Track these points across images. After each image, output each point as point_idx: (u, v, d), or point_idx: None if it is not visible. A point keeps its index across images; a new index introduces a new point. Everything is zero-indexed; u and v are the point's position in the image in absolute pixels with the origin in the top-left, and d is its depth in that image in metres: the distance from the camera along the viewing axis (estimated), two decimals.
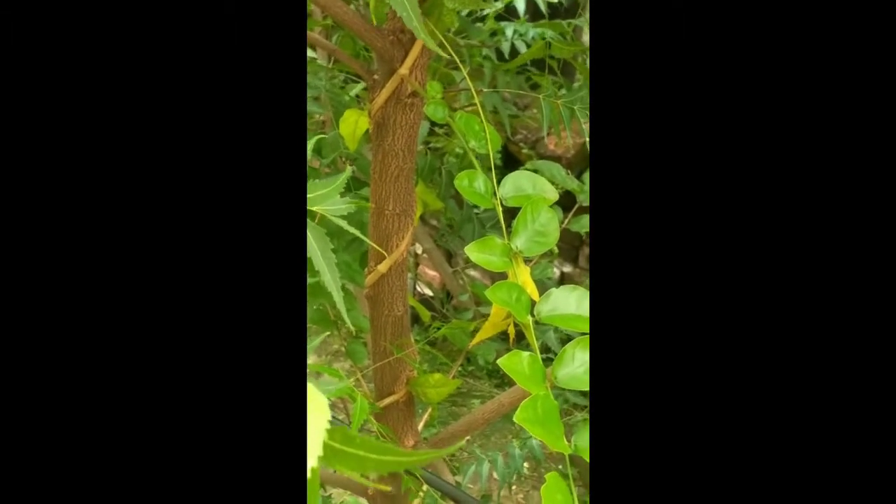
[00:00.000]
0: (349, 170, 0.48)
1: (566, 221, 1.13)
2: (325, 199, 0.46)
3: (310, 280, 0.93)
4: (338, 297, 0.43)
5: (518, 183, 0.80)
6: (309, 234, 0.43)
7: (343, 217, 0.46)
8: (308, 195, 0.46)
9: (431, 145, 1.44)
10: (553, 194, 0.80)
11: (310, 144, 1.08)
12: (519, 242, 0.77)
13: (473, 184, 0.79)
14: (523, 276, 0.78)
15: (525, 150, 2.04)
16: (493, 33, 1.37)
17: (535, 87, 1.30)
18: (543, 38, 1.20)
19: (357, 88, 1.22)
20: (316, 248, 0.44)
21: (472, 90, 0.82)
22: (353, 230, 0.46)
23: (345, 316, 0.44)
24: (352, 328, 0.57)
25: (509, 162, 2.11)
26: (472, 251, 0.76)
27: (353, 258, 1.11)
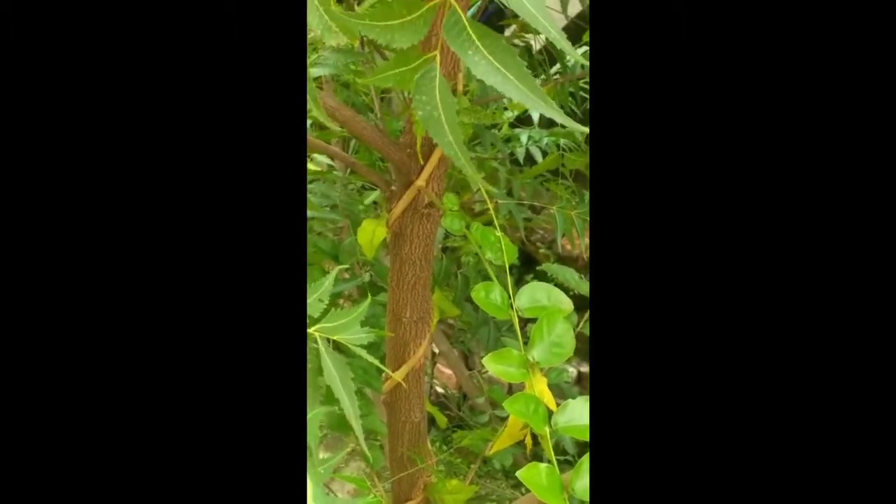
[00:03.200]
0: (368, 301, 0.49)
1: (580, 324, 1.14)
2: (346, 329, 0.47)
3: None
4: (357, 426, 0.44)
5: (534, 294, 0.81)
6: (330, 362, 0.45)
7: (364, 347, 0.47)
8: (329, 324, 0.47)
9: (447, 246, 1.45)
10: (568, 305, 0.81)
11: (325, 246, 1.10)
12: (535, 353, 0.77)
13: (490, 295, 0.80)
14: (540, 386, 0.78)
15: (542, 250, 2.06)
16: (508, 139, 1.40)
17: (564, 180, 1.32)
18: (558, 147, 1.23)
19: (373, 196, 1.25)
20: (336, 376, 0.45)
21: (488, 201, 0.84)
22: (371, 359, 0.47)
23: (364, 449, 0.44)
24: (370, 458, 0.57)
25: (526, 261, 2.12)
26: (489, 363, 0.76)
27: (370, 363, 1.11)
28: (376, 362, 0.48)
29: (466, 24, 0.44)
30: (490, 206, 0.82)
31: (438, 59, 0.46)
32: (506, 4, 0.43)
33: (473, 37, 0.43)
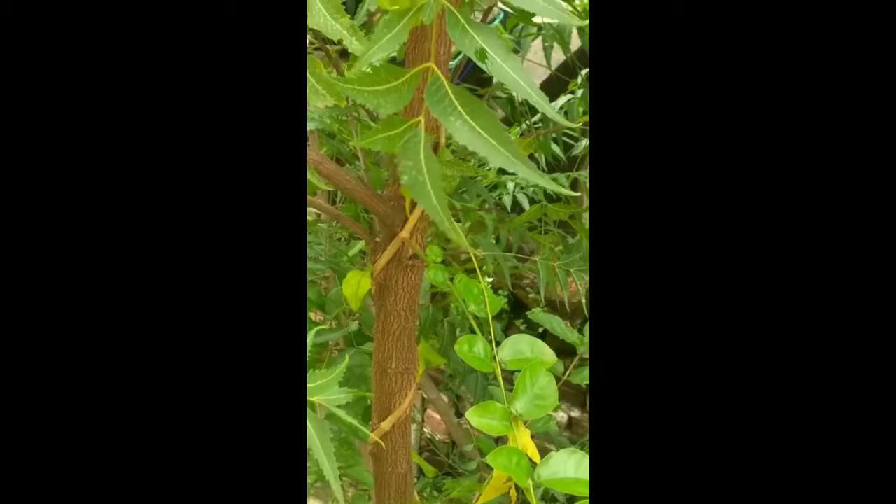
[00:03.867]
0: (346, 362, 0.50)
1: (567, 374, 1.14)
2: (325, 390, 0.47)
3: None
4: (336, 487, 0.44)
5: (517, 346, 0.82)
6: (309, 423, 0.45)
7: (342, 408, 0.47)
8: (308, 385, 0.47)
9: (435, 292, 1.46)
10: (551, 357, 0.81)
11: (312, 294, 1.10)
12: (518, 406, 0.78)
13: (473, 348, 0.80)
14: (523, 438, 0.78)
15: (532, 295, 2.06)
16: (495, 186, 1.41)
17: (547, 231, 1.33)
18: (545, 193, 1.24)
19: (358, 246, 1.26)
20: (315, 437, 0.45)
21: (472, 255, 0.85)
22: (352, 420, 0.47)
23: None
24: None
25: (516, 306, 2.13)
26: (472, 416, 0.76)
27: (357, 413, 1.11)
28: (354, 422, 0.48)
29: (448, 90, 0.44)
30: (474, 259, 0.82)
31: (423, 124, 0.47)
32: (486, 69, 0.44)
33: (455, 102, 0.44)
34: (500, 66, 0.42)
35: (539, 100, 0.41)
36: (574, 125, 1.25)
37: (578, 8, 1.08)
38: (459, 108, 0.44)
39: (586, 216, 1.30)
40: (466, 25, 0.44)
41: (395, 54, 0.49)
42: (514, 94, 1.24)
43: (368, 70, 0.46)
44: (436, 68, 0.45)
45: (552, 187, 0.43)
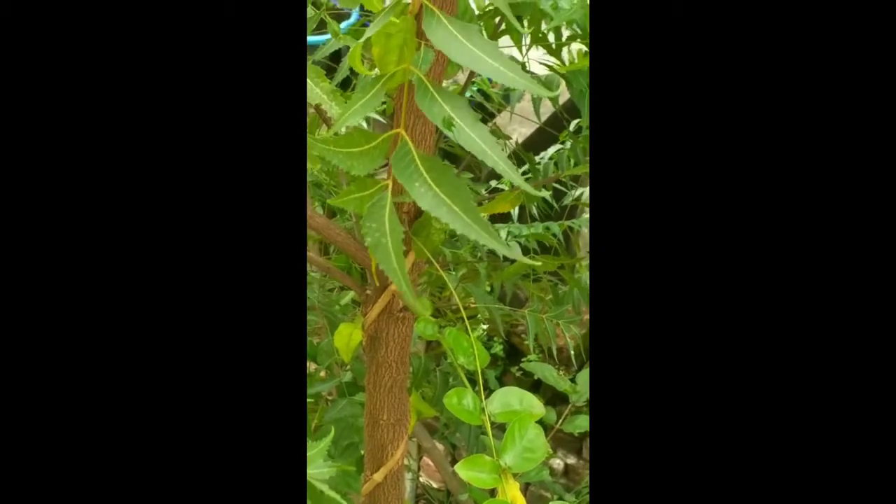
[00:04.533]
0: (331, 435, 0.50)
1: (561, 421, 1.14)
2: (310, 463, 0.48)
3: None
4: None
5: (506, 399, 0.82)
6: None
7: (325, 482, 0.47)
8: None
9: (428, 341, 1.46)
10: (539, 409, 0.81)
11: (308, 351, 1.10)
12: (507, 459, 0.78)
13: (462, 401, 0.81)
14: (512, 491, 0.78)
15: (527, 342, 2.07)
16: None
17: (536, 280, 1.34)
18: (535, 245, 1.25)
19: (350, 296, 1.26)
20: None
21: (460, 305, 0.85)
22: (334, 495, 0.48)
23: None
24: None
25: (512, 353, 2.14)
26: (461, 469, 0.77)
27: (349, 463, 1.11)
28: (337, 497, 0.49)
29: (415, 156, 0.45)
30: (462, 311, 0.83)
31: (390, 187, 0.48)
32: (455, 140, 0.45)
33: (421, 168, 0.45)
34: (468, 134, 0.43)
35: (506, 168, 0.42)
36: (564, 174, 1.26)
37: (566, 60, 1.10)
38: (425, 175, 0.45)
39: (582, 264, 1.31)
40: (435, 94, 0.45)
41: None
42: (503, 142, 1.25)
43: (342, 132, 0.47)
44: (405, 134, 0.47)
45: (512, 255, 0.44)
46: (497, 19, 1.00)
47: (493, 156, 0.42)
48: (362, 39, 0.49)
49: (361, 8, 0.61)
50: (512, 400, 0.83)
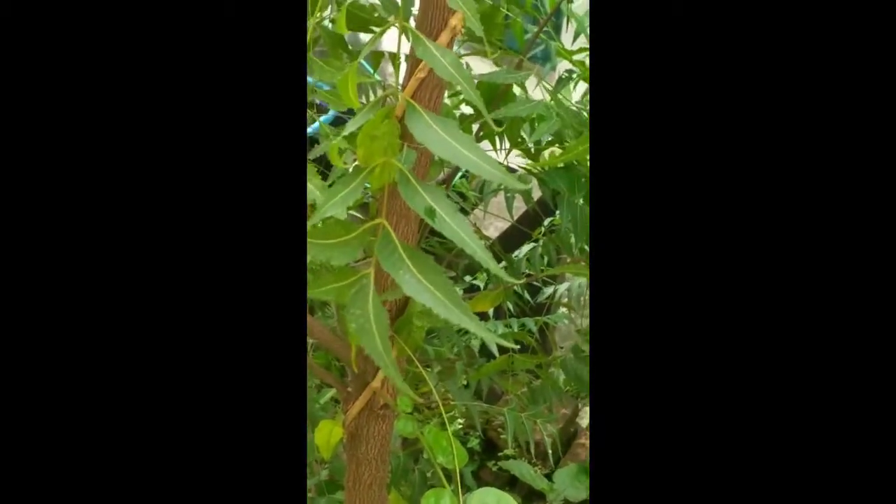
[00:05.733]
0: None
1: None
2: None
3: None
4: None
5: (483, 499, 0.82)
6: None
7: None
8: None
9: (406, 439, 1.45)
10: None
11: None
12: None
13: (440, 502, 0.81)
14: None
15: (503, 436, 2.06)
16: (465, 331, 1.43)
17: (513, 375, 1.34)
18: (513, 347, 1.26)
19: (330, 394, 1.26)
20: None
21: (439, 402, 0.86)
22: None
23: None
24: None
25: (488, 447, 2.12)
26: None
27: None
28: None
29: (398, 245, 0.47)
30: (441, 408, 0.83)
31: (373, 276, 0.49)
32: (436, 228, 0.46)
33: (404, 257, 0.47)
34: (448, 224, 0.45)
35: (483, 256, 0.44)
36: (543, 272, 1.28)
37: (544, 157, 1.13)
38: (408, 263, 0.46)
39: (557, 361, 1.32)
40: (416, 186, 0.47)
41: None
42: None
43: (321, 224, 0.49)
44: (386, 224, 0.48)
45: (494, 340, 0.45)
46: (476, 125, 1.03)
47: (472, 244, 0.44)
48: (341, 137, 0.51)
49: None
50: (489, 500, 0.82)
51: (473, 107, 0.98)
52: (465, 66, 1.06)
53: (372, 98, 0.89)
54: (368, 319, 0.48)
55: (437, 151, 0.45)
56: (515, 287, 1.38)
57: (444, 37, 0.55)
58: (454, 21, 0.54)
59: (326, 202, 0.51)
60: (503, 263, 1.27)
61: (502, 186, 1.18)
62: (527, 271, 1.31)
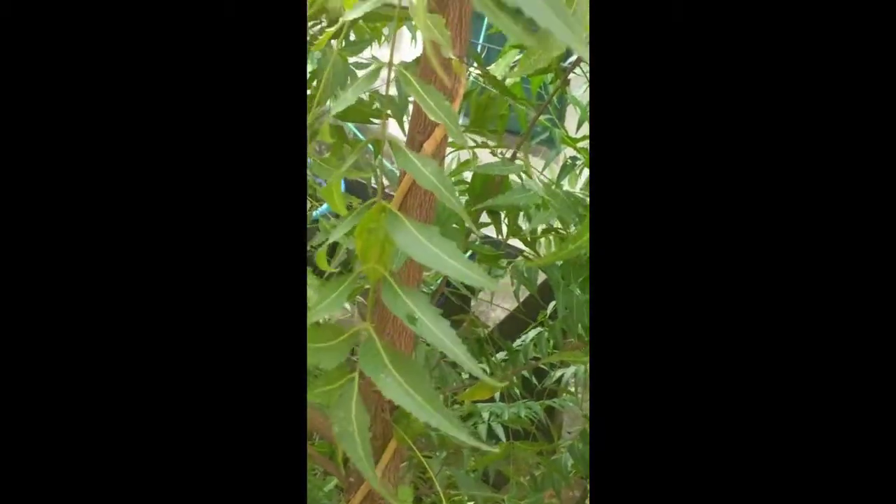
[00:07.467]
0: None
1: None
2: None
3: None
4: None
5: None
6: None
7: None
8: None
9: None
10: None
11: None
12: None
13: None
14: None
15: None
16: (470, 415, 1.43)
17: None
18: (518, 421, 1.26)
19: (332, 482, 1.27)
20: None
21: (442, 496, 0.86)
22: None
23: None
24: None
25: None
26: None
27: None
28: None
29: (381, 349, 0.49)
30: (443, 500, 0.84)
31: (357, 380, 0.51)
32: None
33: (386, 360, 0.48)
34: (431, 330, 0.47)
35: (465, 360, 0.45)
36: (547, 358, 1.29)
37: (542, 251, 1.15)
38: (389, 366, 0.48)
39: (562, 447, 1.32)
40: (398, 291, 0.49)
41: None
42: (481, 330, 1.29)
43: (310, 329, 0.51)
44: (370, 328, 0.50)
45: (476, 444, 0.46)
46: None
47: (454, 349, 0.46)
48: (332, 238, 0.53)
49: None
50: None
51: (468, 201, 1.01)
52: (459, 162, 1.09)
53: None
54: (351, 422, 0.49)
55: (420, 259, 0.47)
56: (524, 371, 1.39)
57: (429, 147, 0.57)
58: (439, 133, 0.57)
59: (321, 301, 0.53)
60: (503, 353, 1.29)
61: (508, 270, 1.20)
62: (534, 355, 1.32)
